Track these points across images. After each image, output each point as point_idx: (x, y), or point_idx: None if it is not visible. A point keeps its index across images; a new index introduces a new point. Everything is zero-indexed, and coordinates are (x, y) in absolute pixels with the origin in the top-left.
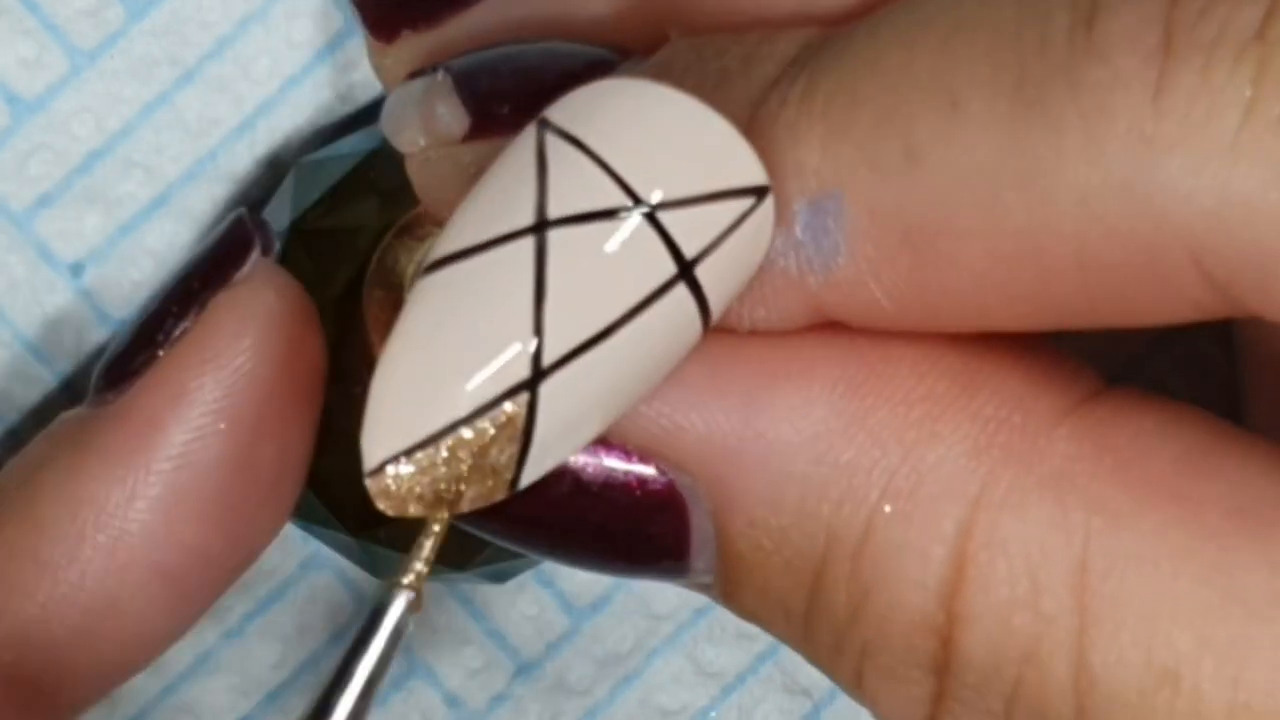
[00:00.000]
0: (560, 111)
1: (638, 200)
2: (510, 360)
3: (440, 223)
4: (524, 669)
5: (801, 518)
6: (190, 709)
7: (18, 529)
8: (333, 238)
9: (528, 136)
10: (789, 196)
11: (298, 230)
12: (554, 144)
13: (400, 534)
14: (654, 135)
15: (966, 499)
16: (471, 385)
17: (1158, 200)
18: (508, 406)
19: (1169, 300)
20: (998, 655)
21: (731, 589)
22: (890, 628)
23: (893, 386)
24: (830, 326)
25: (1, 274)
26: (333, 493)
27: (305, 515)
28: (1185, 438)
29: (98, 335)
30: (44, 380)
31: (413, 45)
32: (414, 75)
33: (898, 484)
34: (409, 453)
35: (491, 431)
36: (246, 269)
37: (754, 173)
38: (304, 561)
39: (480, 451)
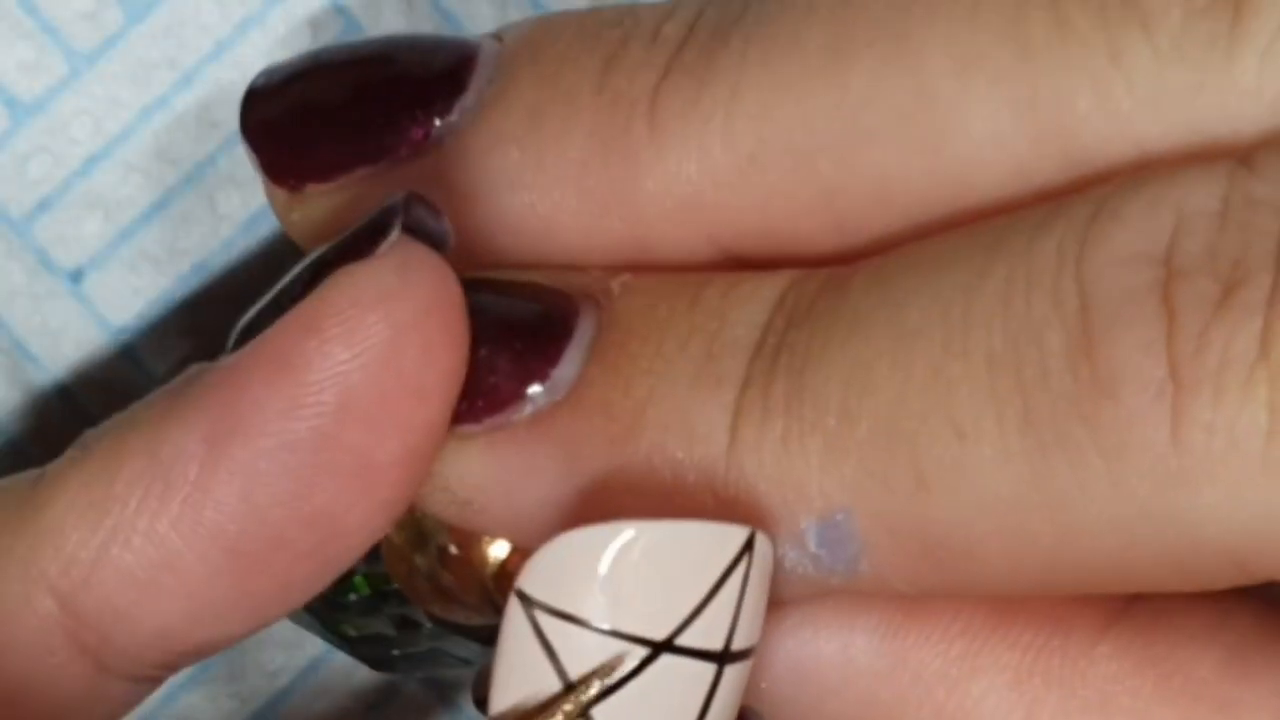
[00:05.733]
0: (535, 584)
1: (653, 644)
2: None
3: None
4: None
5: None
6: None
7: (100, 464)
8: None
9: (519, 614)
10: (793, 512)
11: None
12: (547, 622)
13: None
14: (632, 575)
15: None
16: None
17: (1194, 525)
18: None
19: (1206, 584)
20: None
21: None
22: None
23: (930, 624)
24: None
25: (0, 280)
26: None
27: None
28: (1229, 638)
29: (97, 342)
30: (43, 388)
31: (322, 199)
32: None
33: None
34: None
35: None
36: (383, 247)
37: (734, 536)
38: None
39: None
